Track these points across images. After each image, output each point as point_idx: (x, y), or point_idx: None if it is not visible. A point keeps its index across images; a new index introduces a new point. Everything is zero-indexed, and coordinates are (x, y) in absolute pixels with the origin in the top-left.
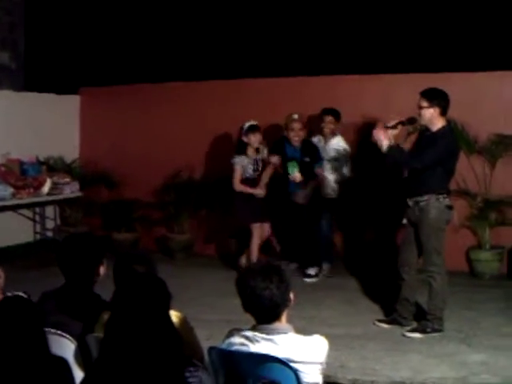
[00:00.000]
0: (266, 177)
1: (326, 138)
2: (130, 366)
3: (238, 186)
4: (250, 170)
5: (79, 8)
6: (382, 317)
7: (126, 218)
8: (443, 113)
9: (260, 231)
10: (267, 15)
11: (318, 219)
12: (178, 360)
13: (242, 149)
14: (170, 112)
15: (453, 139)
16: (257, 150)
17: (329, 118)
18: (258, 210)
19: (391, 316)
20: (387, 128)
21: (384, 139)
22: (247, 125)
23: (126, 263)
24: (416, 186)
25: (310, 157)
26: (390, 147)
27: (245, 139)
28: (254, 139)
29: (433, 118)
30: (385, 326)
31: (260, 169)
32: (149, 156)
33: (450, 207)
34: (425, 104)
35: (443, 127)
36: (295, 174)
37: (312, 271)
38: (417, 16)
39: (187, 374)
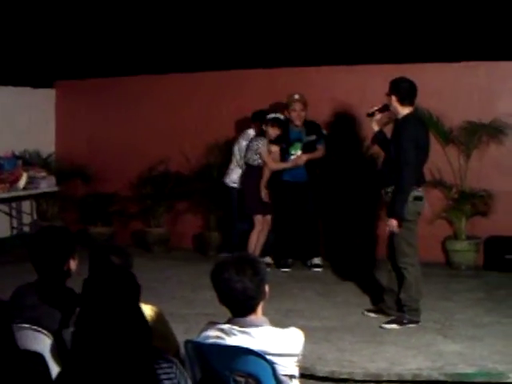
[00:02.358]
0: (283, 165)
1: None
2: (100, 360)
3: (276, 166)
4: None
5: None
6: (358, 308)
7: (102, 212)
8: (402, 101)
9: (263, 224)
10: (238, 7)
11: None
12: (148, 353)
13: (261, 134)
14: (146, 105)
15: (416, 127)
16: (270, 141)
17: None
18: (264, 201)
19: (378, 305)
20: (368, 116)
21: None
22: (271, 116)
23: (102, 254)
24: (386, 176)
25: (316, 135)
26: None
27: (264, 128)
28: (272, 132)
29: (394, 106)
30: (372, 315)
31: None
32: (125, 149)
33: (419, 198)
34: (387, 92)
35: (407, 115)
36: (297, 154)
37: (318, 260)
38: (391, 7)
39: (159, 371)
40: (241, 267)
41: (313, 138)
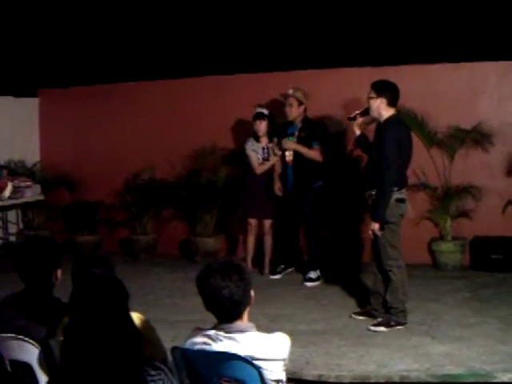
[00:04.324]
0: (268, 164)
1: None
2: (91, 368)
3: (259, 169)
4: (259, 157)
5: (35, 8)
6: (345, 311)
7: (88, 221)
8: (391, 103)
9: (257, 228)
10: (224, 14)
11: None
12: (137, 360)
13: (253, 135)
14: (130, 112)
15: (399, 129)
16: (269, 139)
17: None
18: (261, 205)
19: (365, 308)
20: (349, 119)
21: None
22: (255, 111)
23: (85, 266)
24: (369, 179)
25: (309, 132)
26: None
27: (254, 126)
28: (260, 126)
29: (380, 109)
30: (360, 318)
31: (270, 158)
32: (110, 157)
33: (401, 200)
34: (373, 95)
35: (390, 117)
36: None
37: (313, 274)
38: (373, 10)
39: (148, 378)
40: (226, 273)
41: (305, 134)
